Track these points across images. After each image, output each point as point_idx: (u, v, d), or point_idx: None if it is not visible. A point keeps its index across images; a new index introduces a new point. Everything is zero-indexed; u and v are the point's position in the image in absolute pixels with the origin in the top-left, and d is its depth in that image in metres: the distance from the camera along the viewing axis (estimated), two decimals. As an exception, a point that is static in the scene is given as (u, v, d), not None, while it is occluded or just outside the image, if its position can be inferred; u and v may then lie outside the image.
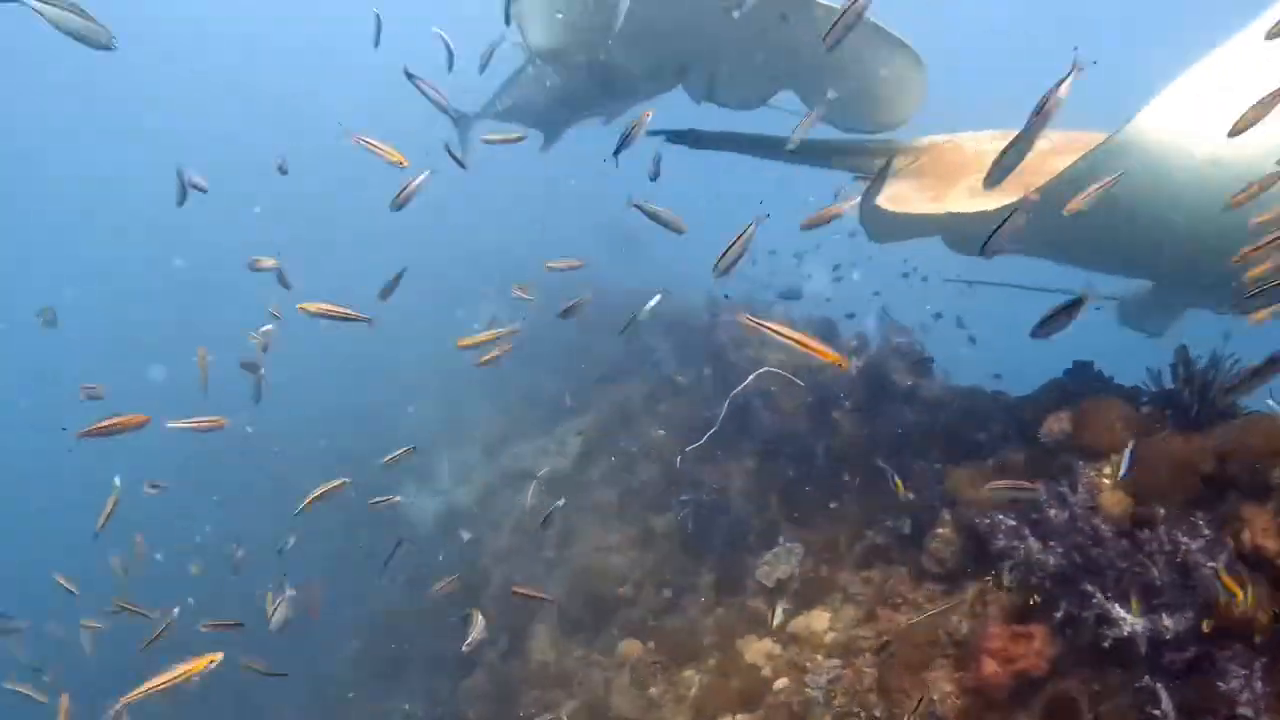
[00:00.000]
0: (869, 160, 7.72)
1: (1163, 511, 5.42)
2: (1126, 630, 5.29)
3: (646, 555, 10.92)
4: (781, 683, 7.86)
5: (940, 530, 7.34)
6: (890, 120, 8.96)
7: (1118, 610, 5.35)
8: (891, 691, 6.82)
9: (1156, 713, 5.03)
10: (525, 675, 10.84)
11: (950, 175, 7.22)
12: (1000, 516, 6.23)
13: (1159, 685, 5.06)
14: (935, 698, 6.31)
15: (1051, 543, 5.90)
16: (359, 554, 15.85)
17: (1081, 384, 7.03)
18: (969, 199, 6.67)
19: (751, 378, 9.75)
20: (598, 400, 14.75)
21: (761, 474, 10.02)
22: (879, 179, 6.89)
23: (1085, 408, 6.48)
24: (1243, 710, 4.74)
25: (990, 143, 7.46)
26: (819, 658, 7.72)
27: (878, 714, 6.66)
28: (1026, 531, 6.02)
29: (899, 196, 7.20)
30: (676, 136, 7.91)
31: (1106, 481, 6.16)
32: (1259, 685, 4.75)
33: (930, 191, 7.21)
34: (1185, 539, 5.13)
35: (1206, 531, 5.13)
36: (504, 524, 14.25)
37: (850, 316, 11.44)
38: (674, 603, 9.87)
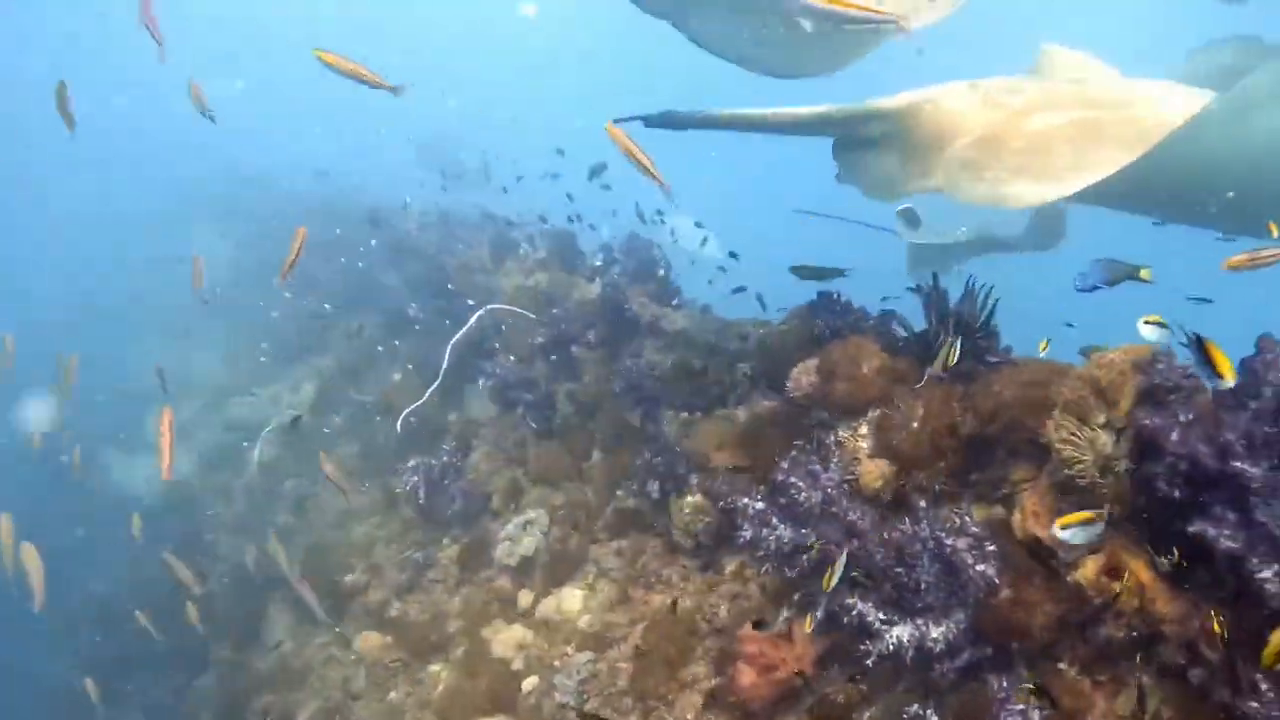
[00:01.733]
0: (847, 126, 6.58)
1: (923, 503, 4.48)
2: (890, 642, 4.40)
3: (390, 523, 9.52)
4: (532, 682, 6.80)
5: (689, 499, 6.30)
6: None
7: (879, 619, 4.45)
8: (647, 696, 5.85)
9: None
10: (261, 673, 9.38)
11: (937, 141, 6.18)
12: (745, 501, 5.19)
13: (929, 709, 4.22)
14: (689, 718, 5.36)
15: (805, 531, 4.92)
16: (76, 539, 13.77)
17: (830, 319, 6.02)
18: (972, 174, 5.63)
19: (474, 319, 8.38)
20: (333, 340, 12.95)
21: (500, 427, 8.71)
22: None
23: (833, 355, 5.48)
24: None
25: (969, 94, 6.35)
26: (570, 650, 6.70)
27: (631, 724, 5.70)
28: (775, 519, 5.02)
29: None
30: (650, 121, 6.73)
31: (864, 447, 5.22)
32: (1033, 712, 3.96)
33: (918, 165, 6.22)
34: (949, 539, 4.22)
35: (974, 528, 4.23)
36: (234, 488, 12.42)
37: (593, 228, 10.10)
38: (416, 581, 8.57)
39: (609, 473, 7.59)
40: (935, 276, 5.25)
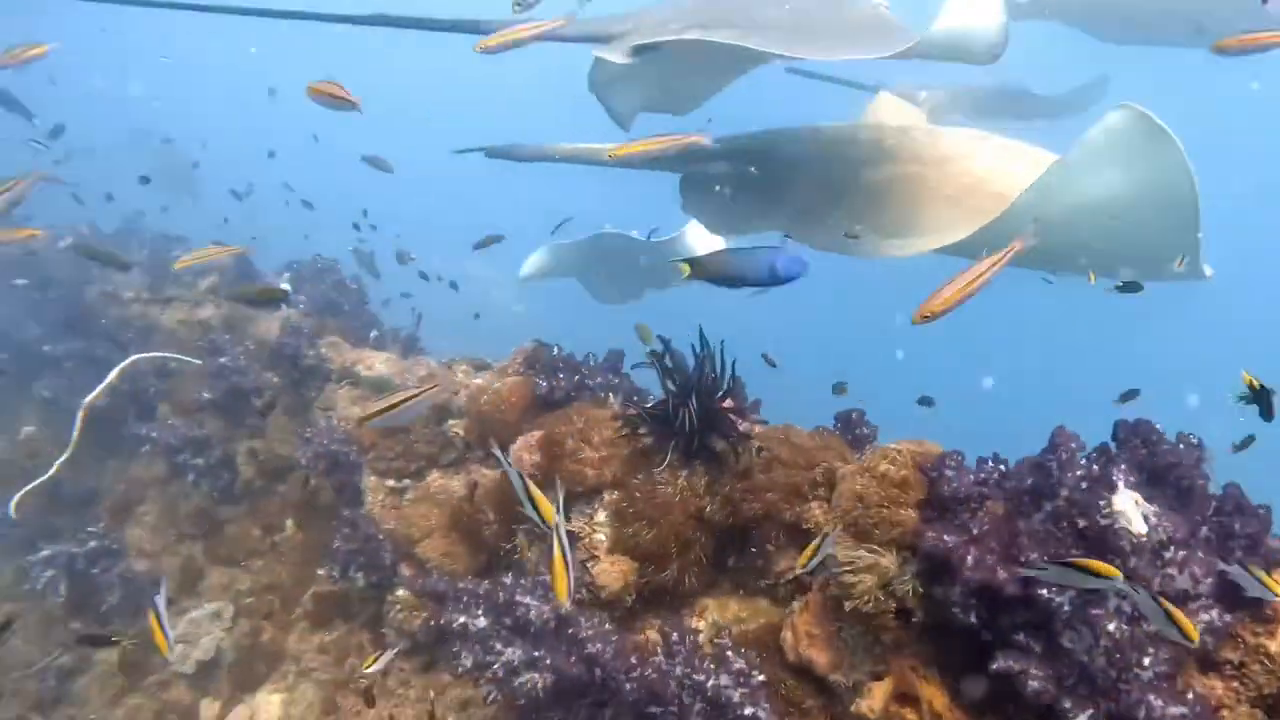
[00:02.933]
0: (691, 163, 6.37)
1: (676, 636, 3.75)
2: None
3: (29, 615, 7.69)
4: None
5: (401, 593, 5.30)
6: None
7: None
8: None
9: None
10: None
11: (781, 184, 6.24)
12: (463, 619, 4.26)
13: None
14: None
15: (539, 654, 4.08)
16: None
17: (553, 379, 5.18)
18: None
19: (115, 373, 6.81)
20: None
21: (168, 494, 7.19)
22: None
23: (558, 429, 4.66)
24: None
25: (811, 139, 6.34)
26: (264, 782, 5.54)
27: None
28: (498, 645, 4.13)
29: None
30: (494, 153, 6.65)
31: (601, 540, 4.45)
32: None
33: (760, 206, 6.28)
34: (710, 679, 3.52)
35: (738, 662, 3.56)
36: None
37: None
38: (62, 692, 6.91)
39: (306, 548, 6.40)
40: (666, 342, 4.52)
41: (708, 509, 4.25)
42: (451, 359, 6.24)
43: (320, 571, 6.13)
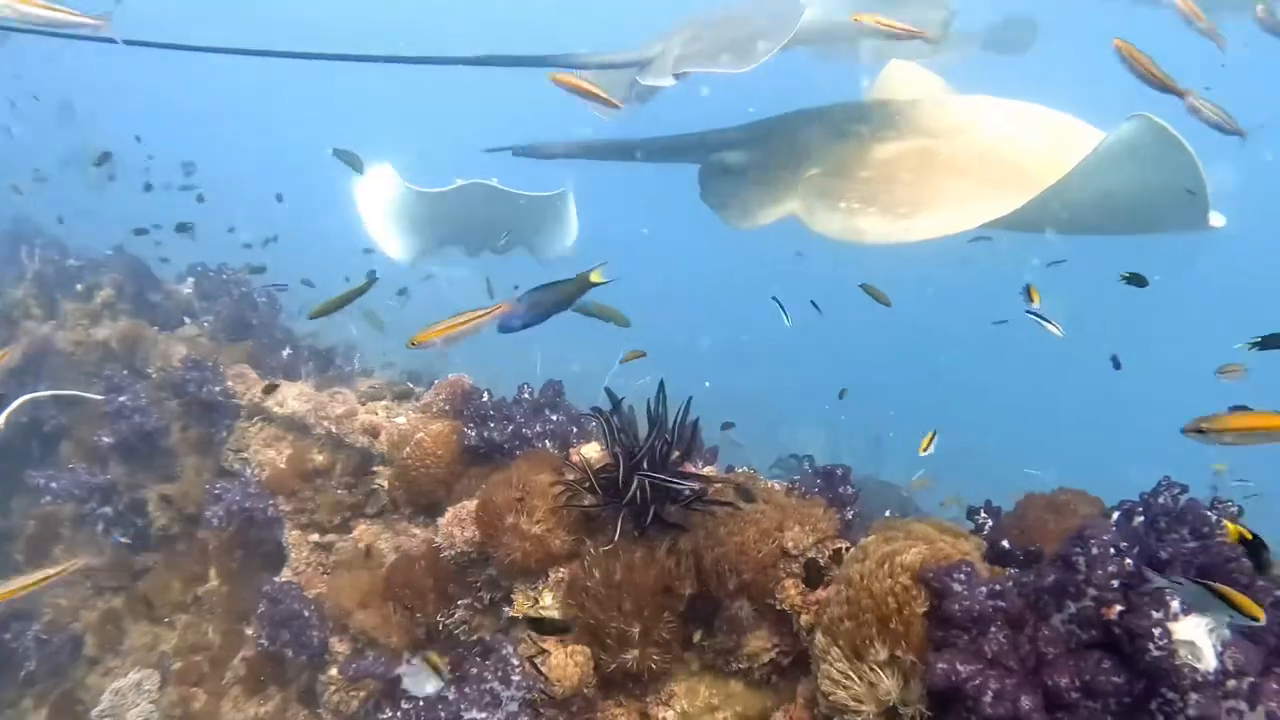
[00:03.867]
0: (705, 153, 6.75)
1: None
2: None
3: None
4: None
5: (333, 672, 4.69)
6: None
7: None
8: None
9: None
10: None
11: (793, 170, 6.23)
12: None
13: None
14: None
15: (490, 773, 3.51)
16: None
17: (484, 430, 4.49)
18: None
19: (5, 415, 6.06)
20: None
21: (80, 541, 6.49)
22: None
23: (495, 498, 3.99)
24: None
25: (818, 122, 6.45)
26: None
27: None
28: (444, 766, 3.55)
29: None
30: (521, 151, 7.18)
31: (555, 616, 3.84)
32: None
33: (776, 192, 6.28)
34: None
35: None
36: None
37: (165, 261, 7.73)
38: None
39: (232, 601, 5.77)
40: (616, 400, 3.84)
41: (671, 584, 3.65)
42: (372, 387, 5.52)
43: (249, 631, 5.53)
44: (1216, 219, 4.75)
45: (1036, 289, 4.82)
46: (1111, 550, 2.68)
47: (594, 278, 3.24)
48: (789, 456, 7.96)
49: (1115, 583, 2.65)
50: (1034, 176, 5.09)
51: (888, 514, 5.75)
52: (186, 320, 6.66)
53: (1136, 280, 4.58)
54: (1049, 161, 5.15)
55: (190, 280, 7.25)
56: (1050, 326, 4.75)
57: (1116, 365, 5.62)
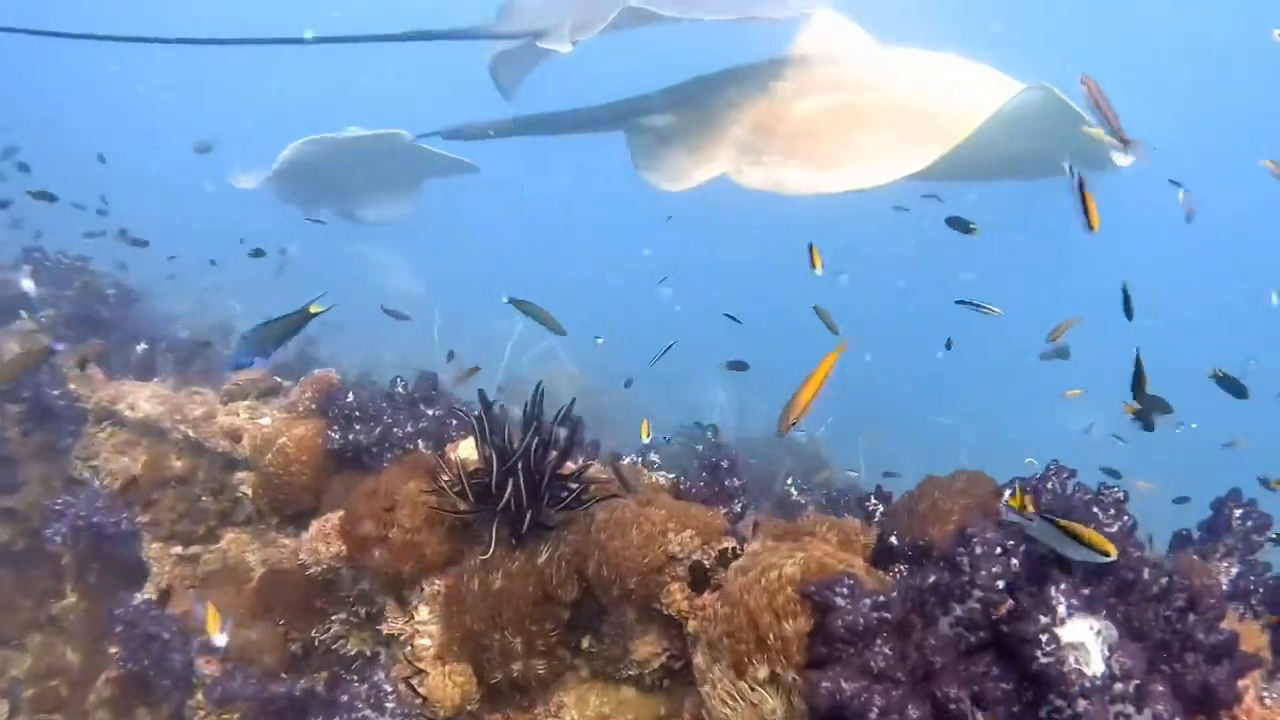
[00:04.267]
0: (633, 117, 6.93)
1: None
2: None
3: None
4: None
5: (200, 697, 4.39)
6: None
7: None
8: None
9: None
10: None
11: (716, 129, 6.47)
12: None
13: None
14: None
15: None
16: None
17: (350, 433, 4.19)
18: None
19: None
20: None
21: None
22: None
23: (359, 509, 3.73)
24: None
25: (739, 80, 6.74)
26: None
27: None
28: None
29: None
30: (450, 133, 7.56)
31: (427, 644, 3.61)
32: None
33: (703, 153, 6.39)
34: None
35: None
36: None
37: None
38: None
39: (92, 619, 5.36)
40: (486, 401, 3.60)
41: (552, 591, 3.47)
42: (235, 384, 5.12)
43: (113, 651, 5.15)
44: (1122, 159, 4.95)
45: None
46: (996, 550, 2.60)
47: (313, 309, 3.26)
48: (693, 424, 7.83)
49: (1000, 584, 2.57)
50: (950, 130, 5.33)
51: (790, 481, 5.70)
52: (22, 314, 6.09)
53: (960, 225, 4.79)
54: (965, 115, 5.37)
55: (26, 268, 6.64)
56: (988, 309, 4.74)
57: (948, 346, 6.06)
